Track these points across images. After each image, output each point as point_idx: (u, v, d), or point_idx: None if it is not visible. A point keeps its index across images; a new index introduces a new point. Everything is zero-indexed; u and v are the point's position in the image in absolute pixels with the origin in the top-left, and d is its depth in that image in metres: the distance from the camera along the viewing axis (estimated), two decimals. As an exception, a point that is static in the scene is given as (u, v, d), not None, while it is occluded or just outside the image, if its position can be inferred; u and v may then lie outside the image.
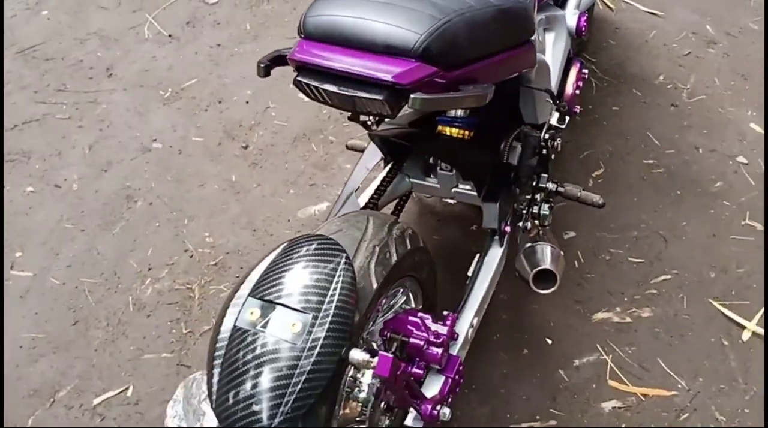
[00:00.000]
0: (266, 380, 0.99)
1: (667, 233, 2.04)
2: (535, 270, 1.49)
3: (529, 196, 1.68)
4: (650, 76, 2.54)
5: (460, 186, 1.71)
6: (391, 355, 1.05)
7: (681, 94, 2.46)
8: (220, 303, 1.86)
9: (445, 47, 1.16)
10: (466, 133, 1.57)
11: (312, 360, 1.00)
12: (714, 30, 2.68)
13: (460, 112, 1.57)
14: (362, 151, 1.91)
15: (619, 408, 1.68)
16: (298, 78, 1.19)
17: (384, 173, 1.71)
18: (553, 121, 1.67)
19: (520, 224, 1.65)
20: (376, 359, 1.05)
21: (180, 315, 1.87)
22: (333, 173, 2.20)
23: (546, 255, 1.52)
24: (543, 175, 1.66)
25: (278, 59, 1.25)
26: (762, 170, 2.21)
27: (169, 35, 2.70)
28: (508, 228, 1.57)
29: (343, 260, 1.09)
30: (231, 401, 1.00)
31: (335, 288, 1.06)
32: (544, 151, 1.63)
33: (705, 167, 2.23)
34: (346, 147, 1.94)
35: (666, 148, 2.28)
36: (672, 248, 2.01)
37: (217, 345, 1.06)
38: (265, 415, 0.97)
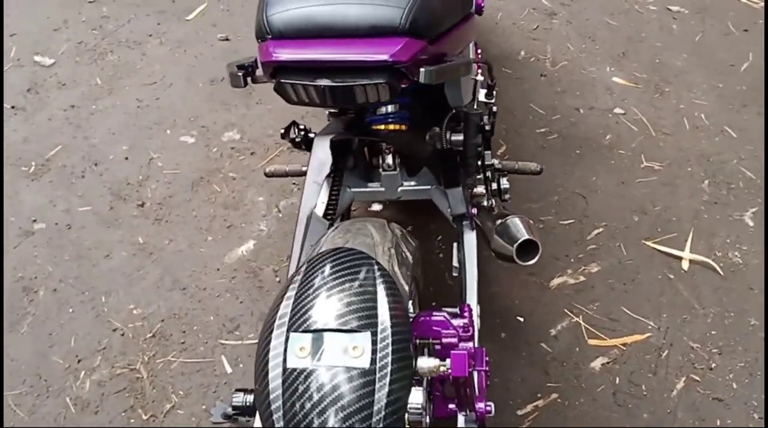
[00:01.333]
0: (346, 417, 0.86)
1: (582, 191, 2.13)
2: (517, 244, 1.48)
3: (479, 176, 1.67)
4: (512, 53, 2.65)
5: (405, 184, 1.67)
6: (464, 352, 0.98)
7: (545, 64, 2.59)
8: (174, 376, 1.68)
9: (427, 19, 1.13)
10: (402, 126, 1.54)
11: (387, 380, 0.88)
12: (549, 3, 2.86)
13: (390, 108, 1.54)
14: (284, 175, 1.82)
15: (607, 363, 1.72)
16: (282, 80, 1.09)
17: (330, 185, 1.63)
18: (482, 97, 1.68)
19: (485, 203, 1.63)
20: (447, 362, 0.98)
21: (133, 401, 1.66)
22: (247, 209, 2.07)
23: (519, 227, 1.50)
24: (486, 152, 1.66)
25: (246, 67, 1.15)
26: (640, 116, 2.38)
27: (12, 106, 2.41)
28: (474, 210, 1.55)
29: (376, 267, 1.00)
30: None
31: (382, 298, 0.96)
32: (487, 128, 1.63)
33: (591, 124, 2.36)
34: (266, 174, 1.83)
35: (551, 115, 2.38)
36: (592, 203, 2.10)
37: (271, 400, 0.92)
38: None
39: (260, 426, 1.09)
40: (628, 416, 1.61)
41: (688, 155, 2.25)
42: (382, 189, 1.68)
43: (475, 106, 1.68)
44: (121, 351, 1.74)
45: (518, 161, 1.76)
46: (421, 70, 1.07)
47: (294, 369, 0.89)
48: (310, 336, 0.91)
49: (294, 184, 2.13)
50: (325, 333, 0.91)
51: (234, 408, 1.23)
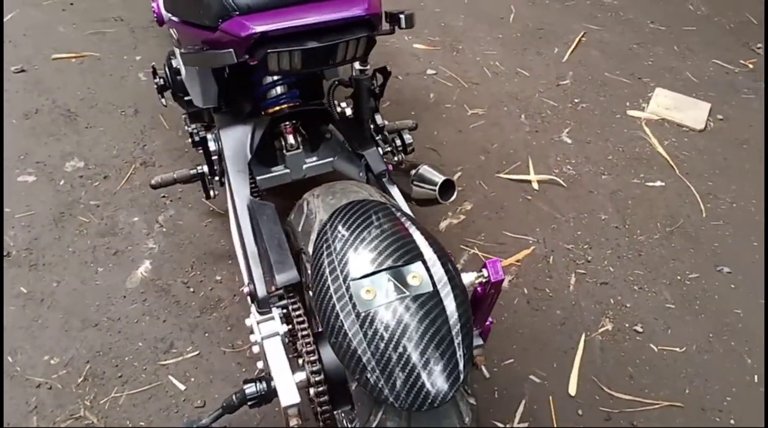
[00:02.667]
0: (430, 336, 0.94)
1: (431, 145, 2.36)
2: (439, 185, 1.63)
3: (377, 136, 1.80)
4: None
5: (308, 161, 1.74)
6: (498, 259, 1.12)
7: (350, 42, 2.77)
8: (127, 410, 1.61)
9: None
10: (296, 104, 1.63)
11: (451, 296, 0.99)
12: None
13: (280, 89, 1.62)
14: (172, 182, 1.78)
15: (512, 279, 1.96)
16: (270, 50, 1.13)
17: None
18: (358, 66, 1.80)
19: (396, 159, 1.76)
20: (485, 271, 1.11)
21: (92, 448, 1.55)
22: (127, 232, 1.97)
23: (433, 172, 1.66)
24: (376, 114, 1.79)
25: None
26: (449, 73, 2.66)
27: None
28: (390, 166, 1.68)
29: (393, 209, 1.11)
30: (403, 381, 0.93)
31: (415, 232, 1.06)
32: (377, 91, 1.76)
33: (413, 88, 2.59)
34: (152, 186, 1.78)
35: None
36: (444, 153, 2.33)
37: (356, 348, 0.96)
38: (448, 371, 0.93)
39: (292, 402, 1.14)
40: (545, 316, 1.87)
41: (500, 97, 2.58)
42: (287, 170, 1.74)
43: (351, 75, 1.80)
44: (57, 405, 1.60)
45: (395, 121, 1.92)
46: (402, 15, 1.19)
47: (368, 312, 0.97)
48: (369, 279, 0.99)
49: (164, 196, 2.08)
50: (383, 273, 0.99)
51: (250, 399, 1.25)
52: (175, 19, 1.56)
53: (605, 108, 2.57)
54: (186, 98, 1.80)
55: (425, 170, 1.68)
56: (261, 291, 1.29)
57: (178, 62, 1.78)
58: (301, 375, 1.15)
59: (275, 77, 1.60)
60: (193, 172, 1.78)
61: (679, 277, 1.98)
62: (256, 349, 1.23)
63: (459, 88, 2.61)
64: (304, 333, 1.18)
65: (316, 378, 1.12)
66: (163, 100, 1.91)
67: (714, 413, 1.67)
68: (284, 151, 1.71)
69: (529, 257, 2.03)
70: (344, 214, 1.10)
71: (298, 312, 1.23)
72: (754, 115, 2.58)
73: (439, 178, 1.65)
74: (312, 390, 1.13)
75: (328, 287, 1.00)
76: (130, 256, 1.92)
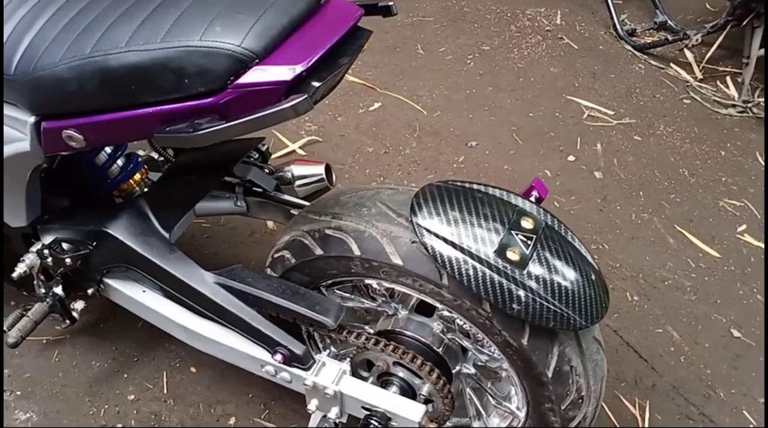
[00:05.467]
0: (574, 264, 1.12)
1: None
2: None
3: None
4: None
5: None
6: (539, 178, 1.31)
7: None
8: None
9: None
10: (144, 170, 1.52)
11: (563, 226, 1.16)
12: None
13: (120, 162, 1.46)
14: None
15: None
16: (316, 83, 1.02)
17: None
18: None
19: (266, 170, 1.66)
20: (534, 192, 1.24)
21: None
22: None
23: (305, 167, 1.68)
24: None
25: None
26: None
27: None
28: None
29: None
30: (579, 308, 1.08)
31: (497, 190, 1.18)
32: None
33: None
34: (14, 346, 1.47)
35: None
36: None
37: (531, 300, 1.06)
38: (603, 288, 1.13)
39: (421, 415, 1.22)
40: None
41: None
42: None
43: None
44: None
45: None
46: (390, 3, 1.15)
47: (526, 271, 1.07)
48: (503, 243, 1.09)
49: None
50: (509, 233, 1.09)
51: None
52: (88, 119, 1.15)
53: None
54: None
55: (298, 168, 1.67)
56: (299, 349, 1.25)
57: None
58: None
59: (107, 151, 1.42)
60: (47, 302, 1.41)
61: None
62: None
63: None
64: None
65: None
66: None
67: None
68: None
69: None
70: (427, 205, 1.12)
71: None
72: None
73: (319, 169, 1.66)
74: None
75: (480, 270, 1.06)
76: None
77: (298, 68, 0.99)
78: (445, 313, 1.22)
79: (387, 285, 1.21)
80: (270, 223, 1.94)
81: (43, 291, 1.43)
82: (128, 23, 1.05)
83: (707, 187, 2.23)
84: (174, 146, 1.09)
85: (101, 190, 1.44)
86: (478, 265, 1.06)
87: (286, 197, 1.55)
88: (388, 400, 1.24)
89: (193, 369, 1.58)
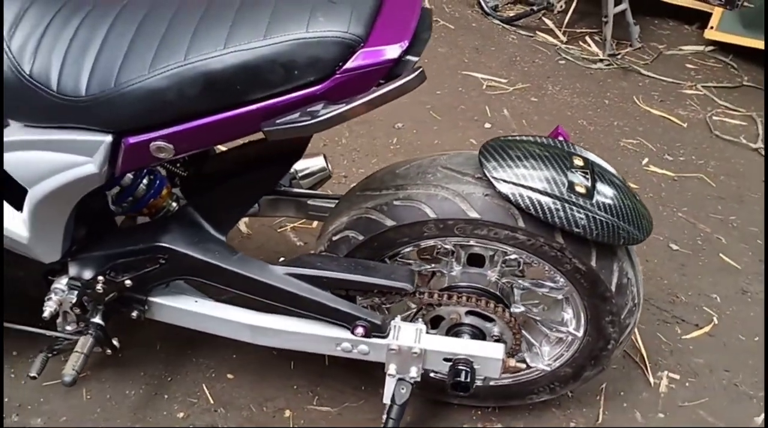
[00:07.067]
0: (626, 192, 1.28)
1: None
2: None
3: None
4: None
5: None
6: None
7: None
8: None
9: None
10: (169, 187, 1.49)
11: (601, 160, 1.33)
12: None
13: (146, 181, 1.43)
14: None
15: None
16: (411, 58, 1.05)
17: None
18: None
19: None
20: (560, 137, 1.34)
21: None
22: None
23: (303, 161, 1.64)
24: None
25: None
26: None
27: None
28: None
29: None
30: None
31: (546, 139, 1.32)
32: None
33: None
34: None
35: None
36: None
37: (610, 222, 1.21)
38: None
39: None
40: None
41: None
42: None
43: None
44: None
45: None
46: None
47: (590, 196, 1.21)
48: (571, 181, 1.21)
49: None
50: (569, 171, 1.23)
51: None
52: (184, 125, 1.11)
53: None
54: None
55: (298, 163, 1.61)
56: (377, 319, 1.30)
57: None
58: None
59: (132, 172, 1.36)
60: (91, 333, 1.34)
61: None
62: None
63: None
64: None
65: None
66: None
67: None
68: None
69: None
70: (495, 159, 1.22)
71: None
72: None
73: (320, 160, 1.65)
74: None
75: (561, 206, 1.18)
76: None
77: (404, 45, 1.04)
78: (499, 258, 1.36)
79: (455, 241, 1.29)
80: (244, 228, 1.93)
81: (74, 325, 1.35)
82: (217, 26, 1.05)
83: (605, 132, 2.53)
84: (287, 137, 1.06)
85: (130, 210, 1.39)
86: (558, 203, 1.18)
87: (300, 190, 1.57)
88: (469, 346, 1.33)
89: (230, 376, 1.55)
